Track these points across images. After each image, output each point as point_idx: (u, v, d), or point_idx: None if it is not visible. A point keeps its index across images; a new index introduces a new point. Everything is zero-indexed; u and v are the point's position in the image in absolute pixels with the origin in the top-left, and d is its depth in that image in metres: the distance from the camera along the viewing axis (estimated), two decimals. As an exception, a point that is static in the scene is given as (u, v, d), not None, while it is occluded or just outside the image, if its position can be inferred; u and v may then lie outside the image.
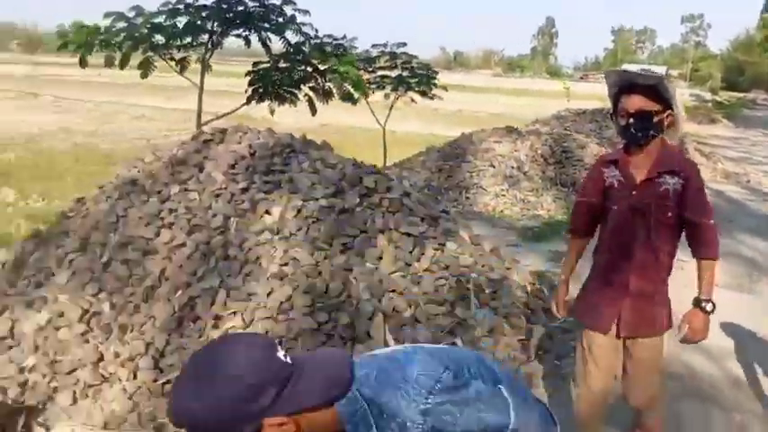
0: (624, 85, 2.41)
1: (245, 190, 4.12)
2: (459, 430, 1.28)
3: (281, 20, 6.22)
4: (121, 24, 6.28)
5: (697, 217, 2.43)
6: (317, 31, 6.70)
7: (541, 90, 45.74)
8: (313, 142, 4.67)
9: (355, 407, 1.28)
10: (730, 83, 79.23)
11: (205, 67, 6.69)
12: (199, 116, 6.82)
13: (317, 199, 4.03)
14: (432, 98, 9.41)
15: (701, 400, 3.63)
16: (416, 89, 9.18)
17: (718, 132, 20.90)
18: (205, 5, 6.15)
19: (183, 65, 6.90)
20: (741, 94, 56.20)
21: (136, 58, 6.60)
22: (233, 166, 4.29)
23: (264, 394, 1.14)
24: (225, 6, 6.10)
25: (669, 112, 2.41)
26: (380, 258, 3.79)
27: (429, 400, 1.26)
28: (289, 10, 6.36)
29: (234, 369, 1.13)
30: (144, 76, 6.66)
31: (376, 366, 1.34)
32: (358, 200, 4.03)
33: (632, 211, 2.47)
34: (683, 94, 50.20)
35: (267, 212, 3.94)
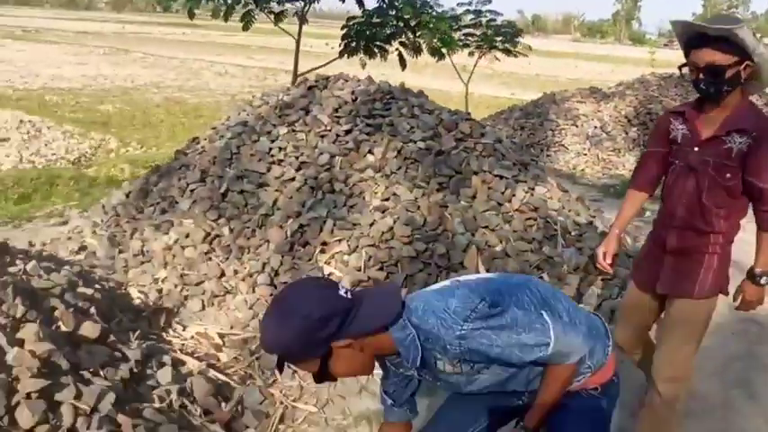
0: (693, 37, 2.20)
1: (348, 132, 4.47)
2: (497, 350, 1.53)
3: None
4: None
5: (761, 181, 2.20)
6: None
7: (624, 56, 44.16)
8: (410, 90, 4.96)
9: (406, 333, 1.57)
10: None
11: (302, 21, 7.03)
12: (295, 66, 7.22)
13: (415, 141, 4.34)
14: (516, 56, 9.48)
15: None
16: (500, 48, 9.27)
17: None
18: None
19: (279, 18, 7.26)
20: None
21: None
22: (336, 110, 4.64)
23: (330, 324, 1.48)
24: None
25: (747, 63, 2.16)
26: (474, 197, 4.07)
27: (464, 327, 1.52)
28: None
29: (305, 306, 1.48)
30: (245, 28, 7.05)
31: (424, 300, 1.62)
32: (454, 143, 4.31)
33: (689, 168, 2.30)
34: None
35: (370, 152, 4.28)
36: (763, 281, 2.28)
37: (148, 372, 2.53)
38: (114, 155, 10.32)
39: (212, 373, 2.81)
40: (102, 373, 2.26)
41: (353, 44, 7.22)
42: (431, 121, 4.49)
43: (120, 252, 4.17)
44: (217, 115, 13.92)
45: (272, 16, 7.17)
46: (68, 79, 18.09)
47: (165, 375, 2.56)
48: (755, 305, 2.37)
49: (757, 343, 3.71)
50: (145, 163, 9.08)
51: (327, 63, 7.52)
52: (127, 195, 5.00)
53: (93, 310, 2.62)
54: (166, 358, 2.71)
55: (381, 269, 3.72)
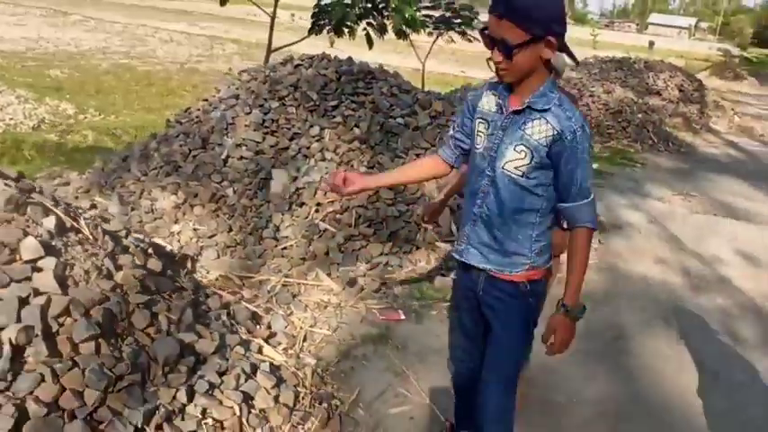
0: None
1: (335, 107, 5.18)
2: (583, 157, 1.95)
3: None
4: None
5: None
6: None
7: (567, 36, 45.70)
8: (387, 71, 5.69)
9: (555, 88, 1.98)
10: (762, 39, 78.22)
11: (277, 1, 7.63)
12: (269, 43, 7.82)
13: (395, 118, 5.09)
14: (470, 40, 10.29)
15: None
16: (457, 30, 10.06)
17: (742, 89, 21.56)
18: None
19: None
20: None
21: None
22: (323, 87, 5.33)
23: (561, 20, 1.91)
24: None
25: None
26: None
27: (585, 127, 1.94)
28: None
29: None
30: (222, 3, 7.60)
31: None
32: (429, 120, 5.10)
33: None
34: (710, 48, 50.22)
35: (356, 126, 5.00)
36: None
37: (201, 299, 3.23)
38: (73, 121, 10.61)
39: (243, 304, 3.52)
40: (173, 296, 2.95)
41: (322, 23, 7.87)
42: (408, 100, 5.26)
43: (133, 209, 4.78)
44: (168, 84, 14.26)
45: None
46: (9, 41, 17.88)
47: (214, 303, 3.27)
48: (563, 251, 2.81)
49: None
50: (107, 130, 9.50)
51: (299, 41, 8.15)
52: (124, 159, 5.57)
53: (150, 250, 3.27)
54: (209, 291, 3.40)
55: (369, 226, 4.49)
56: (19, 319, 2.17)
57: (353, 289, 4.02)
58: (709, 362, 3.67)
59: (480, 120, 2.11)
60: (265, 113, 5.24)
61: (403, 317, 3.74)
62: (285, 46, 8.00)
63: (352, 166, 4.80)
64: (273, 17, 7.72)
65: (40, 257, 2.39)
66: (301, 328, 3.50)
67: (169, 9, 36.87)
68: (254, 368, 2.78)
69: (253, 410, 2.56)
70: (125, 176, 5.23)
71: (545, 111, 1.96)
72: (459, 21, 9.93)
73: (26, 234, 2.45)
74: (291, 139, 5.02)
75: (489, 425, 2.22)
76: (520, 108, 1.99)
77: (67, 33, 21.08)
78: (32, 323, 2.18)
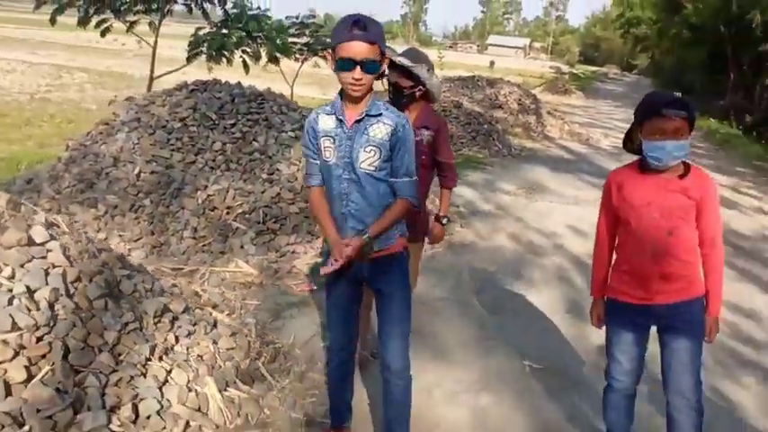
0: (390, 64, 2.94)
1: (233, 125, 6.04)
2: (410, 146, 2.55)
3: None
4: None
5: (444, 158, 3.45)
6: (258, 7, 8.53)
7: (414, 57, 48.50)
8: (275, 93, 6.63)
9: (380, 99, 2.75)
10: (587, 57, 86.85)
11: (158, 31, 8.32)
12: (152, 72, 8.48)
13: (287, 132, 6.04)
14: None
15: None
16: (321, 55, 11.15)
17: (571, 102, 24.53)
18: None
19: (132, 26, 8.47)
20: (596, 68, 62.39)
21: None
22: (221, 108, 6.17)
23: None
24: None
25: (421, 86, 3.29)
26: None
27: (406, 121, 2.54)
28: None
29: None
30: (103, 35, 8.18)
31: None
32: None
33: None
34: (543, 66, 55.38)
35: (254, 140, 5.90)
36: (444, 221, 3.59)
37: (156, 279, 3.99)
38: None
39: (186, 283, 4.30)
40: (141, 274, 3.70)
41: (201, 52, 8.66)
42: (296, 116, 6.24)
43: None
44: (23, 115, 14.11)
45: (128, 26, 8.37)
46: None
47: (165, 282, 4.04)
48: (440, 240, 3.70)
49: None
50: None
51: (179, 69, 8.86)
52: (29, 182, 6.07)
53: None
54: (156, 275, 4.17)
55: (276, 222, 5.40)
56: (47, 284, 2.90)
57: (270, 272, 4.92)
58: (546, 297, 4.97)
59: (325, 137, 2.56)
60: (169, 133, 5.99)
61: (315, 287, 4.68)
62: (167, 73, 8.67)
63: (254, 173, 5.68)
64: (155, 48, 8.38)
65: (47, 241, 3.12)
66: (235, 301, 4.35)
67: (7, 38, 35.09)
68: (215, 323, 3.62)
69: (221, 349, 3.41)
70: (36, 197, 5.75)
71: (379, 115, 2.51)
72: (321, 47, 11.04)
73: (29, 225, 3.16)
74: (197, 154, 5.81)
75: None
76: (359, 118, 2.50)
77: None
78: (57, 286, 2.91)
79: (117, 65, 26.55)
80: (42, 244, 3.09)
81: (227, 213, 5.44)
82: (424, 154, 3.34)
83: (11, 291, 2.78)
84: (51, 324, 2.77)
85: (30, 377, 2.59)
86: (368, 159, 2.52)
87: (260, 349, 3.65)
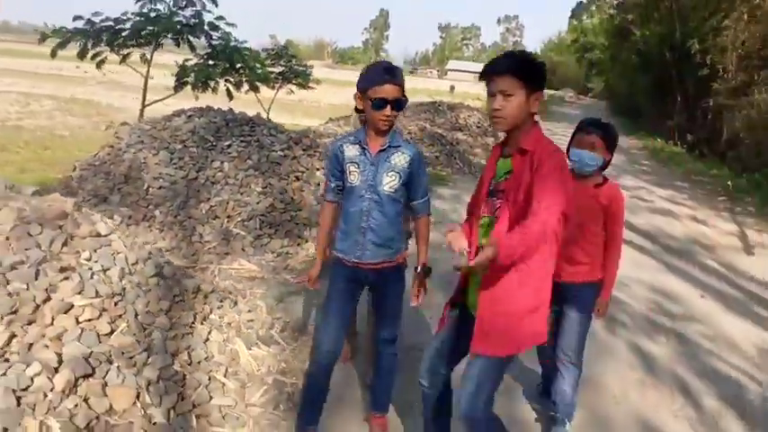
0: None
1: (229, 146, 6.97)
2: (424, 177, 3.15)
3: (215, 34, 8.99)
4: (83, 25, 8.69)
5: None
6: (236, 38, 9.53)
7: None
8: (263, 118, 7.59)
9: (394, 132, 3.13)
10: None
11: (150, 63, 9.23)
12: (143, 100, 9.36)
13: (276, 151, 7.00)
14: (306, 89, 12.47)
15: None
16: (295, 82, 12.19)
17: (528, 124, 25.91)
18: (158, 16, 8.74)
19: (125, 58, 9.35)
20: (553, 92, 64.62)
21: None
22: (217, 131, 7.10)
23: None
24: (175, 19, 8.74)
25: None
26: (318, 184, 6.84)
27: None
28: (218, 22, 9.14)
29: None
30: (99, 66, 9.04)
31: None
32: (302, 151, 7.06)
33: None
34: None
35: (249, 158, 6.83)
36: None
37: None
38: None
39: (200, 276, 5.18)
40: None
41: (187, 81, 9.58)
42: (284, 138, 7.20)
43: (77, 233, 6.17)
44: (-1, 143, 14.72)
45: (120, 58, 9.26)
46: None
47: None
48: None
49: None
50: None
51: (167, 97, 9.76)
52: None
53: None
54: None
55: (270, 228, 6.32)
56: (115, 264, 3.79)
57: (269, 268, 5.84)
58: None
59: (350, 163, 3.05)
60: (171, 153, 6.89)
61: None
62: (156, 101, 9.56)
63: (250, 186, 6.61)
64: (147, 78, 9.27)
65: (109, 233, 4.01)
66: (244, 289, 5.25)
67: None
68: (235, 301, 4.53)
69: (243, 320, 4.33)
70: (54, 211, 6.56)
71: (398, 146, 3.04)
72: (296, 74, 12.09)
73: (94, 222, 4.05)
74: (198, 171, 6.72)
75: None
76: (382, 148, 3.01)
77: None
78: (122, 266, 3.80)
79: (81, 92, 27.09)
80: (106, 235, 3.98)
81: (228, 221, 6.35)
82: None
83: (90, 269, 3.66)
84: (122, 293, 3.66)
85: (112, 331, 3.47)
86: (389, 183, 3.03)
87: (272, 322, 4.57)
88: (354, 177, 3.05)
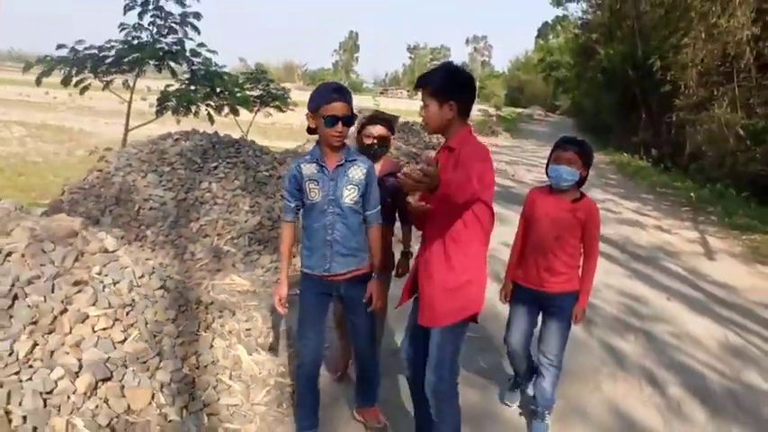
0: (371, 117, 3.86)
1: (216, 167, 7.27)
2: (376, 191, 3.37)
3: (197, 60, 9.32)
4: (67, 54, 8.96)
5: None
6: (216, 64, 9.86)
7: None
8: (247, 140, 7.91)
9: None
10: (512, 99, 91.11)
11: (133, 90, 9.51)
12: (126, 125, 9.62)
13: (262, 171, 7.32)
14: (284, 111, 12.83)
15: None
16: (273, 105, 12.54)
17: (499, 143, 26.61)
18: (141, 44, 9.05)
19: (108, 84, 9.62)
20: (521, 110, 65.85)
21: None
22: (204, 153, 7.40)
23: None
24: (158, 46, 9.05)
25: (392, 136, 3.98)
26: (304, 202, 7.17)
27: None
28: (200, 49, 9.48)
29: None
30: (82, 92, 9.29)
31: None
32: (286, 171, 7.38)
33: None
34: (472, 110, 58.08)
35: (236, 179, 7.14)
36: (411, 255, 4.06)
37: (178, 286, 5.15)
38: None
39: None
40: (169, 280, 4.87)
41: (170, 105, 9.86)
42: (269, 159, 7.53)
43: (71, 253, 6.40)
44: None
45: (104, 85, 9.52)
46: None
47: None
48: (407, 272, 3.96)
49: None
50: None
51: (150, 122, 10.03)
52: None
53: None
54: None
55: (259, 244, 6.62)
56: (123, 277, 4.07)
57: (259, 283, 6.13)
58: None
59: (309, 181, 3.22)
60: (160, 176, 7.17)
61: (298, 291, 5.90)
62: (140, 126, 9.83)
63: (238, 206, 6.92)
64: (130, 104, 9.55)
65: (116, 249, 4.29)
66: (238, 302, 5.54)
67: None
68: (233, 312, 4.83)
69: (242, 329, 4.62)
70: (47, 233, 6.79)
71: (354, 160, 3.25)
72: (273, 98, 12.44)
73: (101, 239, 4.33)
74: (187, 192, 7.01)
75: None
76: (340, 163, 3.20)
77: None
78: (130, 279, 4.09)
79: (51, 118, 27.02)
80: (114, 251, 4.27)
81: (219, 239, 6.63)
82: (390, 197, 3.69)
83: (102, 282, 3.94)
84: (132, 304, 3.95)
85: (125, 339, 3.75)
86: (350, 195, 3.24)
87: (267, 331, 4.87)
88: (315, 194, 3.23)
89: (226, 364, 4.12)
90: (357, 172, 3.26)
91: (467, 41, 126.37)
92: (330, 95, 3.11)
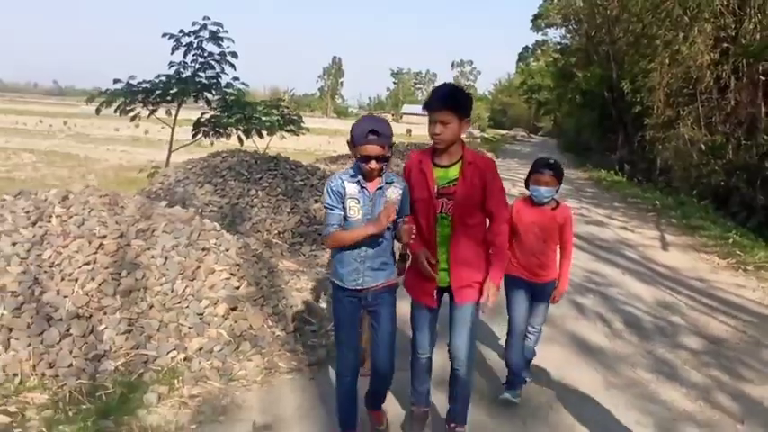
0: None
1: (260, 178, 9.17)
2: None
3: (229, 90, 11.26)
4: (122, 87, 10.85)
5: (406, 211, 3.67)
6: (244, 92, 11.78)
7: (335, 129, 52.82)
8: (283, 156, 9.83)
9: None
10: (496, 121, 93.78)
11: (176, 118, 11.40)
12: (170, 148, 11.50)
13: (298, 181, 9.23)
14: (297, 135, 14.72)
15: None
16: (286, 129, 14.43)
17: (485, 162, 28.57)
18: (184, 77, 10.97)
19: (153, 113, 11.50)
20: (504, 131, 68.21)
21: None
22: (249, 167, 9.30)
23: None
24: (196, 79, 10.98)
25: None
26: (332, 205, 9.08)
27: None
28: (234, 82, 11.43)
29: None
30: (133, 119, 11.15)
31: None
32: (318, 180, 9.30)
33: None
34: (458, 132, 60.21)
35: (277, 187, 9.04)
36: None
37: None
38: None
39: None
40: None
41: (205, 129, 11.72)
42: (303, 171, 9.46)
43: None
44: None
45: (149, 113, 11.40)
46: None
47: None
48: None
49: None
50: None
51: (190, 143, 11.91)
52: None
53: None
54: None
55: (300, 237, 8.50)
56: (230, 247, 5.93)
57: (304, 265, 7.99)
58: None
59: (350, 199, 3.31)
60: (215, 186, 9.06)
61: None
62: (180, 147, 11.72)
63: (281, 208, 8.80)
64: (173, 128, 11.43)
65: (221, 230, 6.16)
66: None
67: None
68: (299, 276, 6.70)
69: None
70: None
71: (392, 182, 3.39)
72: (289, 122, 14.32)
73: (207, 223, 6.19)
74: (238, 198, 8.89)
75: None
76: (380, 186, 3.33)
77: None
78: (236, 248, 5.95)
79: (54, 145, 28.26)
80: (219, 230, 6.14)
81: (268, 234, 8.50)
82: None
83: (218, 249, 5.81)
84: (239, 264, 5.81)
85: (239, 285, 5.60)
86: None
87: (319, 289, 6.74)
88: (354, 212, 3.33)
89: (301, 306, 5.98)
90: (394, 192, 3.42)
91: (452, 65, 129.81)
92: (366, 138, 3.21)
